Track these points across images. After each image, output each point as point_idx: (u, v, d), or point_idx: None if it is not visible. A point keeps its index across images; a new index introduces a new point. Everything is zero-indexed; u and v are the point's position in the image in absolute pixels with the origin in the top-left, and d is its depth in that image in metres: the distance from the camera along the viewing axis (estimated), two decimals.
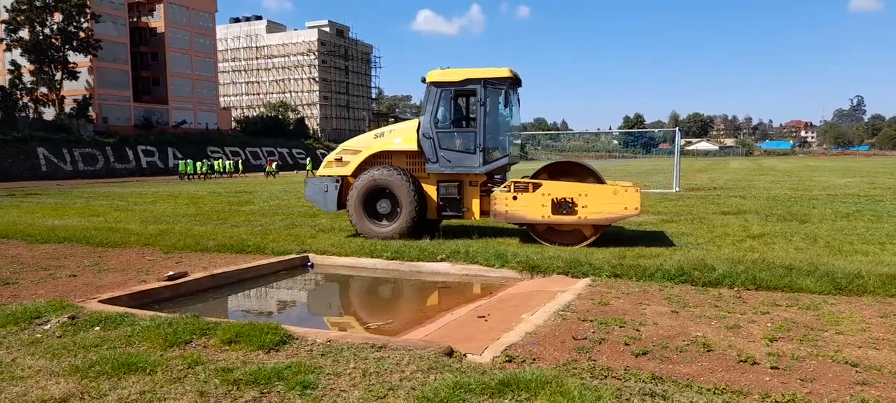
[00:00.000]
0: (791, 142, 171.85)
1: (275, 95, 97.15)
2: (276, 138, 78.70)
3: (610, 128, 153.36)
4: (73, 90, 61.96)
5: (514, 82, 10.91)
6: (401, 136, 11.07)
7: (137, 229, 12.47)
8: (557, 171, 10.51)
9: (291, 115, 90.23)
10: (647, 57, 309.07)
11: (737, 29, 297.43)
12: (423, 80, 10.86)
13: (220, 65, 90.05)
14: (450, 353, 4.55)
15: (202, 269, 8.39)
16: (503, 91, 10.38)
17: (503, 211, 10.09)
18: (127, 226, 13.06)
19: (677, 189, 23.76)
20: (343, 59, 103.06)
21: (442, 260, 8.85)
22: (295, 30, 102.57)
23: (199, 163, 49.64)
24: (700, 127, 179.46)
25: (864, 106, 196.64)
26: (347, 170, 11.32)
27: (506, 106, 10.42)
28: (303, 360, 4.37)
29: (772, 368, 4.26)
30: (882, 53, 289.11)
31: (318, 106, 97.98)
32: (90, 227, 12.82)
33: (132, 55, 70.72)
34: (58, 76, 59.52)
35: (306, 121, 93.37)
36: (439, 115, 10.71)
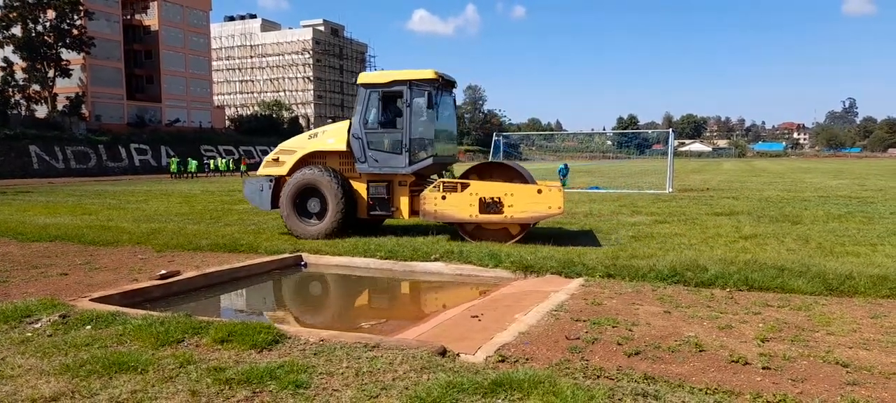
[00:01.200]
0: (783, 143, 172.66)
1: (269, 94, 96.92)
2: (270, 137, 78.39)
3: (604, 129, 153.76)
4: (65, 88, 61.62)
5: (443, 84, 11.06)
6: (333, 137, 11.30)
7: (129, 228, 12.42)
8: (485, 172, 10.79)
9: (285, 114, 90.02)
10: (641, 57, 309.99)
11: (730, 31, 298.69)
12: (355, 82, 10.99)
13: (214, 63, 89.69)
14: (443, 353, 4.54)
15: (195, 268, 8.35)
16: (427, 93, 10.44)
17: (432, 211, 10.39)
18: (119, 225, 13.00)
19: (670, 190, 23.83)
20: (338, 58, 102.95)
21: (436, 259, 8.85)
22: (290, 28, 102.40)
23: (189, 161, 49.49)
24: (693, 128, 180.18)
25: (856, 108, 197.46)
26: (283, 170, 11.54)
27: (429, 107, 10.47)
28: (295, 359, 4.36)
29: (763, 368, 4.27)
30: (874, 56, 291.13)
31: (312, 105, 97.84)
32: (82, 226, 12.75)
33: (125, 53, 70.37)
34: (50, 73, 59.16)
35: (301, 120, 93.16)
36: (368, 116, 10.90)
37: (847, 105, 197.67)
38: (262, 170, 11.88)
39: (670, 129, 32.55)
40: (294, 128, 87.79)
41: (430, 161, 10.70)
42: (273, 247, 9.82)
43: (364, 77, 11.08)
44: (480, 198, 10.07)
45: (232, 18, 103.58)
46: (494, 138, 30.04)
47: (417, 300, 8.20)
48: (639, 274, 7.39)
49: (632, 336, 5.03)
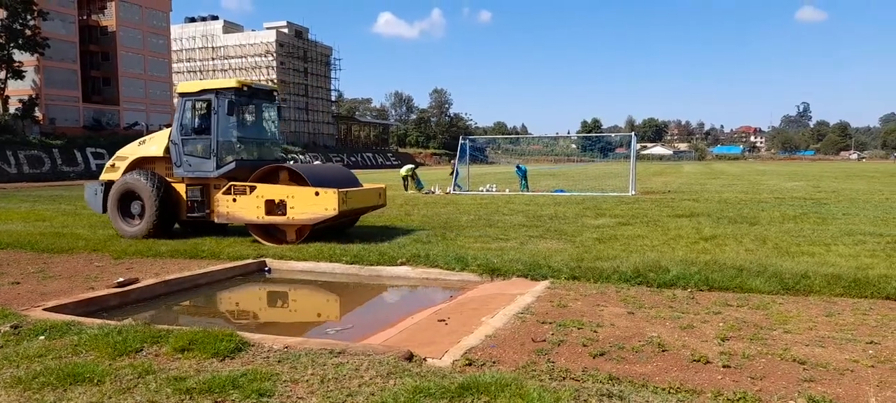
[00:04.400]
0: (741, 146, 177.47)
1: None
2: None
3: (568, 133, 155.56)
4: (18, 90, 59.57)
5: (255, 93, 11.83)
6: (156, 144, 12.10)
7: (86, 234, 12.07)
8: (271, 175, 11.18)
9: None
10: (605, 62, 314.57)
11: (690, 37, 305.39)
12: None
13: (174, 65, 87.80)
14: (409, 357, 4.52)
15: (154, 275, 8.15)
16: (228, 101, 11.08)
17: (225, 212, 10.96)
18: (74, 231, 12.62)
19: (633, 192, 24.23)
20: (302, 60, 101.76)
21: (402, 263, 8.81)
22: (253, 30, 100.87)
23: None
24: (655, 132, 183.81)
25: (810, 112, 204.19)
26: (116, 175, 12.25)
27: (230, 114, 11.17)
28: (259, 367, 4.29)
29: (724, 367, 4.36)
30: (826, 62, 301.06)
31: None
32: (35, 232, 12.35)
33: (81, 54, 68.34)
34: (2, 75, 57.12)
35: None
36: (184, 123, 11.58)
37: (801, 109, 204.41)
38: (102, 176, 12.69)
39: (632, 133, 33.14)
40: None
41: (233, 165, 11.29)
42: (235, 253, 9.65)
43: (180, 86, 11.88)
44: (266, 200, 10.61)
45: (193, 19, 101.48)
46: (461, 141, 30.14)
47: (384, 304, 8.16)
48: (603, 276, 7.48)
49: (597, 337, 5.08)
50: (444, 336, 5.35)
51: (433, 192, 25.95)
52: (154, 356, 4.60)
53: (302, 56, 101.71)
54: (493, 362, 4.49)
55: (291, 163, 12.63)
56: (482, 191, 26.51)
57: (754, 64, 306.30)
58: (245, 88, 11.45)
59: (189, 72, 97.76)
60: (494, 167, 60.67)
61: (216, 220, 11.14)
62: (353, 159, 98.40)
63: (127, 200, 11.87)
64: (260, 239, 10.83)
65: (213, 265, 8.99)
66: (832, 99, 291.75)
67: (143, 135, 14.43)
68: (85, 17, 70.71)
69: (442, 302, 7.24)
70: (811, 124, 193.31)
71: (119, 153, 12.65)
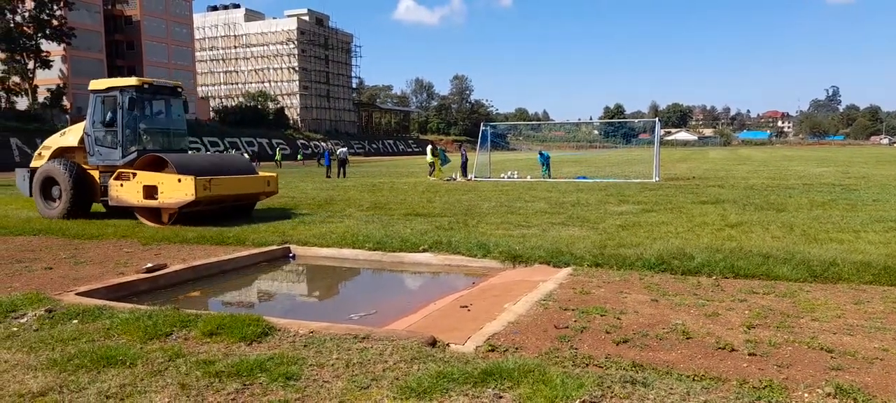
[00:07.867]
0: (768, 131, 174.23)
1: (254, 85, 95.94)
2: (256, 128, 77.87)
3: (590, 119, 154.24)
4: (46, 79, 60.74)
5: (157, 89, 13.11)
6: (73, 135, 13.45)
7: (114, 220, 12.29)
8: (158, 163, 12.11)
9: (271, 105, 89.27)
10: (628, 47, 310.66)
11: (715, 20, 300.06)
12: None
13: (197, 54, 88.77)
14: (433, 343, 4.56)
15: (181, 261, 8.30)
16: (129, 97, 12.28)
17: (115, 196, 12.17)
18: (104, 218, 12.87)
19: (657, 178, 23.98)
20: (323, 48, 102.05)
21: (424, 250, 8.85)
22: (274, 18, 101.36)
23: None
24: (679, 117, 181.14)
25: (840, 96, 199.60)
26: (42, 163, 13.48)
27: (130, 109, 12.36)
28: (285, 352, 4.36)
29: (749, 355, 4.32)
30: (856, 45, 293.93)
31: (298, 96, 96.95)
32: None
33: (107, 44, 69.47)
34: (30, 65, 58.27)
35: (286, 112, 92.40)
36: (95, 117, 12.73)
37: (830, 93, 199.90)
38: (32, 163, 13.90)
39: (656, 119, 32.75)
40: (280, 119, 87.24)
41: (134, 155, 12.41)
42: (260, 239, 9.78)
43: (92, 84, 13.01)
44: (144, 186, 11.70)
45: (215, 8, 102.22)
46: (482, 128, 30.08)
47: (407, 290, 8.21)
48: (626, 263, 7.44)
49: (620, 324, 5.07)
50: (467, 322, 5.38)
51: (454, 179, 25.96)
52: (183, 340, 4.70)
53: (323, 43, 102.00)
54: (516, 348, 4.50)
55: (187, 151, 14.06)
56: (504, 177, 26.45)
57: (782, 47, 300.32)
58: (146, 85, 12.76)
59: (212, 60, 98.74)
60: (516, 154, 60.42)
61: (110, 203, 12.27)
62: (374, 146, 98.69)
63: (48, 185, 13.13)
64: (144, 220, 11.87)
65: (238, 251, 9.12)
66: (862, 83, 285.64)
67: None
68: (110, 7, 71.73)
69: (464, 288, 7.27)
70: (841, 109, 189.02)
71: (45, 142, 13.95)
